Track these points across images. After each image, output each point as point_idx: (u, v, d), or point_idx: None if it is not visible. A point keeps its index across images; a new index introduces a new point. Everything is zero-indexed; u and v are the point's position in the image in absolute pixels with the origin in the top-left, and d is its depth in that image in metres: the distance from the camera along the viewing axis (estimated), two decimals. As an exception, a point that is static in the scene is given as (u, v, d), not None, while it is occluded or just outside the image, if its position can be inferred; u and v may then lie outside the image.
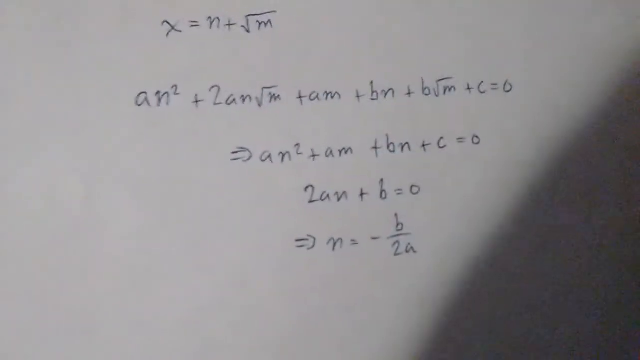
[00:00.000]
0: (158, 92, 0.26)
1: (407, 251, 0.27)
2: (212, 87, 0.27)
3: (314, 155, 0.27)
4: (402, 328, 0.26)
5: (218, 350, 0.25)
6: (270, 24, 0.27)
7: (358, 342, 0.26)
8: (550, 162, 0.28)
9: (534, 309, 0.27)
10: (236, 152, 0.26)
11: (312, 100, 0.27)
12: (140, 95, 0.26)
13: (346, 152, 0.27)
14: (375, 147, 0.27)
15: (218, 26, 0.27)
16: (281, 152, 0.27)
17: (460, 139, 0.28)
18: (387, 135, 0.27)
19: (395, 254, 0.27)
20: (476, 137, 0.28)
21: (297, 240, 0.26)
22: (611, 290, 0.29)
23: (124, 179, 0.26)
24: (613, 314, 0.29)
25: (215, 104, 0.27)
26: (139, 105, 0.26)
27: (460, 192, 0.27)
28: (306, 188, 0.27)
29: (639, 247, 0.29)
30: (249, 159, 0.26)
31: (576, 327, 0.29)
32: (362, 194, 0.27)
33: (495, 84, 0.28)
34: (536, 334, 0.28)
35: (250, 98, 0.27)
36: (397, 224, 0.27)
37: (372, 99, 0.28)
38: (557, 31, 0.28)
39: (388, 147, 0.27)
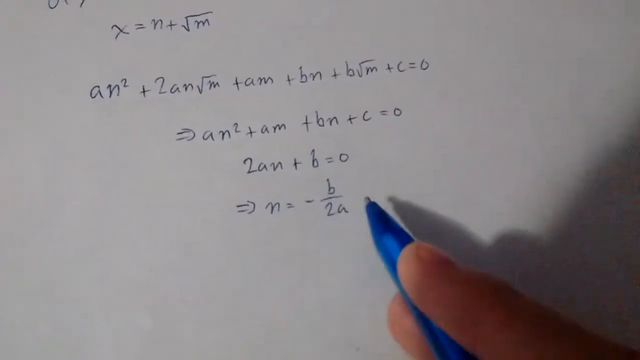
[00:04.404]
0: (109, 86, 0.30)
1: (339, 211, 0.30)
2: (157, 78, 0.30)
3: (251, 132, 0.30)
4: (337, 277, 0.29)
5: (169, 306, 0.28)
6: (208, 22, 0.31)
7: (297, 292, 0.29)
8: (463, 130, 0.31)
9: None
10: (181, 132, 0.30)
11: (247, 85, 0.31)
12: (94, 89, 0.30)
13: (280, 128, 0.31)
14: (306, 123, 0.31)
15: (161, 27, 0.31)
16: (221, 131, 0.30)
17: (383, 112, 0.31)
18: (316, 112, 0.31)
19: (329, 214, 0.30)
20: (398, 109, 0.31)
21: (238, 206, 0.29)
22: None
23: (81, 161, 0.29)
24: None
25: (160, 92, 0.30)
26: (92, 97, 0.30)
27: (384, 158, 0.31)
28: (245, 160, 0.30)
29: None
30: (192, 138, 0.30)
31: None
32: (295, 164, 0.30)
33: (413, 63, 0.32)
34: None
35: (192, 86, 0.30)
36: (330, 188, 0.30)
37: (302, 82, 0.31)
38: (468, 13, 0.32)
39: (318, 122, 0.31)
